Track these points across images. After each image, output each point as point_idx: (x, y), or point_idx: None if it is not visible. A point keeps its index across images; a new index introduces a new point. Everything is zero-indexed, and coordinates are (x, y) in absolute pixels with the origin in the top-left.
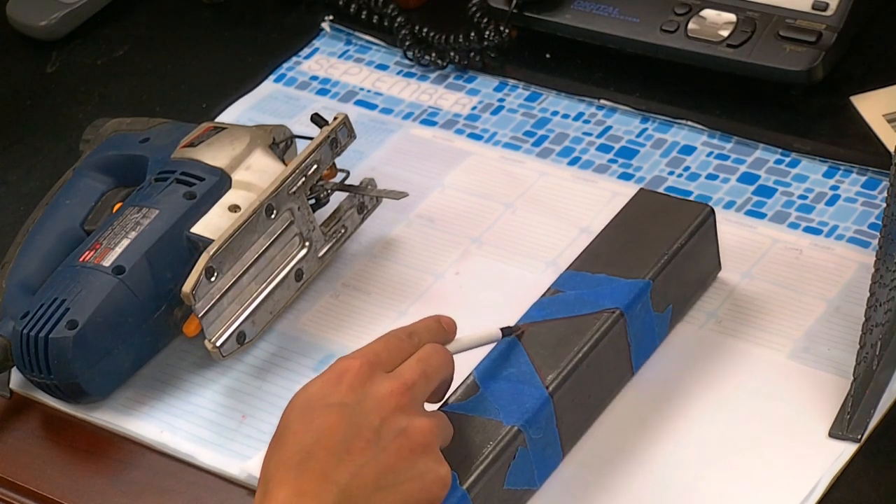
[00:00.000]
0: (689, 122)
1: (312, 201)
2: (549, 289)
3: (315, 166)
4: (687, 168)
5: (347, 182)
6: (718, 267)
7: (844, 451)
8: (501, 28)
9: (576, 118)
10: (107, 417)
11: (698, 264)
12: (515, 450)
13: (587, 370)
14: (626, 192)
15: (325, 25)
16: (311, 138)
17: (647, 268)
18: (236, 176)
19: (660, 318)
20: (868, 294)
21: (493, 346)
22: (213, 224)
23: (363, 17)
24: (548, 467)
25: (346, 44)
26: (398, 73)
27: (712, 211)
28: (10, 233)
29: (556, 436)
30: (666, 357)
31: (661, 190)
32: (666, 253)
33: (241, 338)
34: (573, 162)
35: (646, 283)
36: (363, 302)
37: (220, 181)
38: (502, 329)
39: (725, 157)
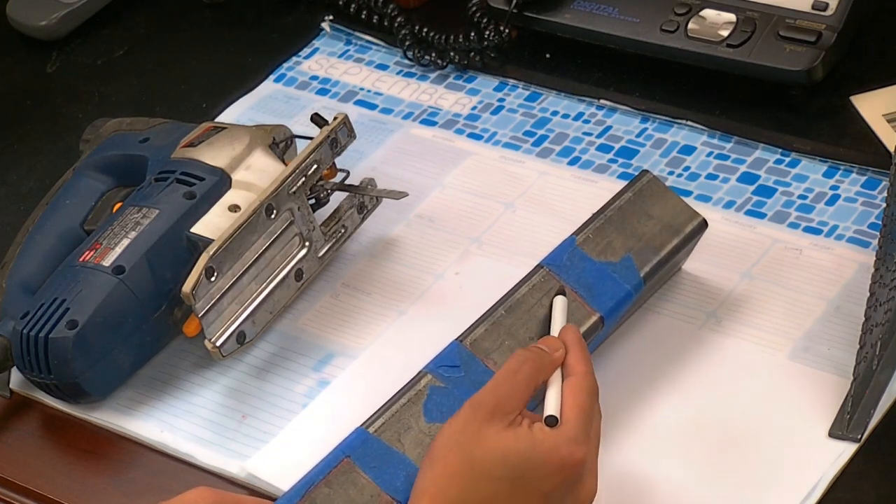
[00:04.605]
0: (689, 122)
1: (312, 201)
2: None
3: (315, 166)
4: (687, 168)
5: (347, 182)
6: (692, 216)
7: (844, 451)
8: (501, 28)
9: (576, 118)
10: (107, 417)
11: (649, 213)
12: (426, 389)
13: (509, 315)
14: None
15: (325, 25)
16: (311, 138)
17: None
18: (236, 176)
19: (615, 266)
20: (868, 294)
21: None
22: (213, 224)
23: (363, 17)
24: None
25: (346, 44)
26: (398, 73)
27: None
28: (10, 233)
29: (487, 371)
30: (665, 356)
31: None
32: (601, 211)
33: (241, 338)
34: (573, 162)
35: (570, 238)
36: (363, 302)
37: (220, 181)
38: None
39: (725, 157)
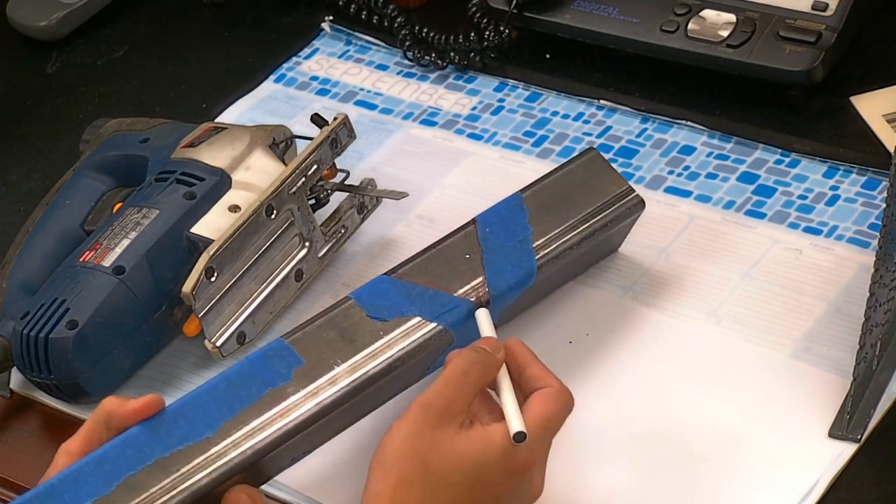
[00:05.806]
0: (689, 122)
1: (312, 201)
2: None
3: (315, 166)
4: (687, 168)
5: (347, 182)
6: (585, 152)
7: (844, 451)
8: (501, 28)
9: (576, 118)
10: None
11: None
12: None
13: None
14: None
15: (325, 25)
16: (311, 138)
17: None
18: (236, 176)
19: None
20: (868, 294)
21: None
22: (213, 224)
23: (363, 17)
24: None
25: (346, 44)
26: (398, 74)
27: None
28: (10, 233)
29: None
30: (665, 357)
31: (660, 190)
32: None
33: (241, 338)
34: None
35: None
36: None
37: (220, 181)
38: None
39: (725, 157)
